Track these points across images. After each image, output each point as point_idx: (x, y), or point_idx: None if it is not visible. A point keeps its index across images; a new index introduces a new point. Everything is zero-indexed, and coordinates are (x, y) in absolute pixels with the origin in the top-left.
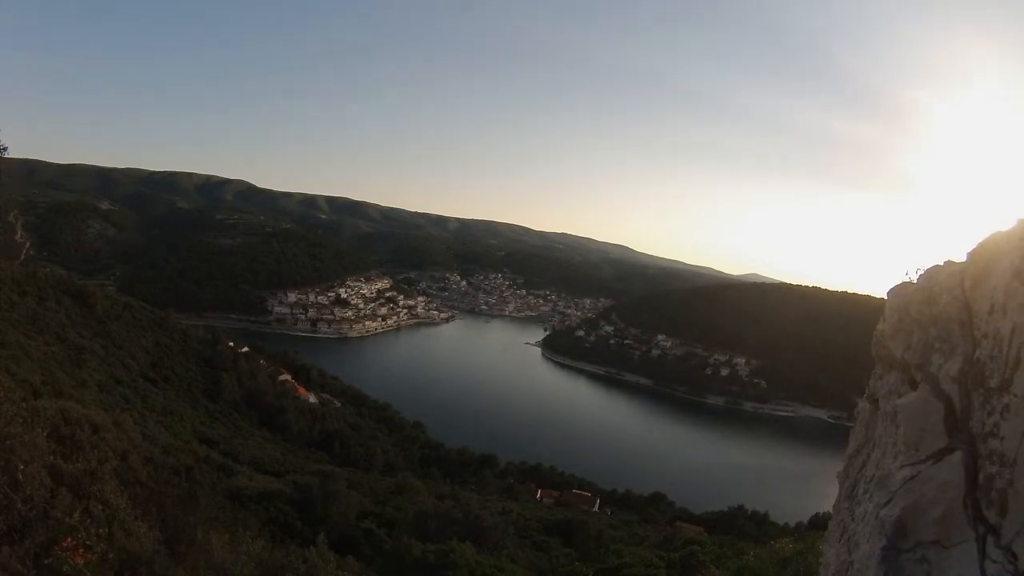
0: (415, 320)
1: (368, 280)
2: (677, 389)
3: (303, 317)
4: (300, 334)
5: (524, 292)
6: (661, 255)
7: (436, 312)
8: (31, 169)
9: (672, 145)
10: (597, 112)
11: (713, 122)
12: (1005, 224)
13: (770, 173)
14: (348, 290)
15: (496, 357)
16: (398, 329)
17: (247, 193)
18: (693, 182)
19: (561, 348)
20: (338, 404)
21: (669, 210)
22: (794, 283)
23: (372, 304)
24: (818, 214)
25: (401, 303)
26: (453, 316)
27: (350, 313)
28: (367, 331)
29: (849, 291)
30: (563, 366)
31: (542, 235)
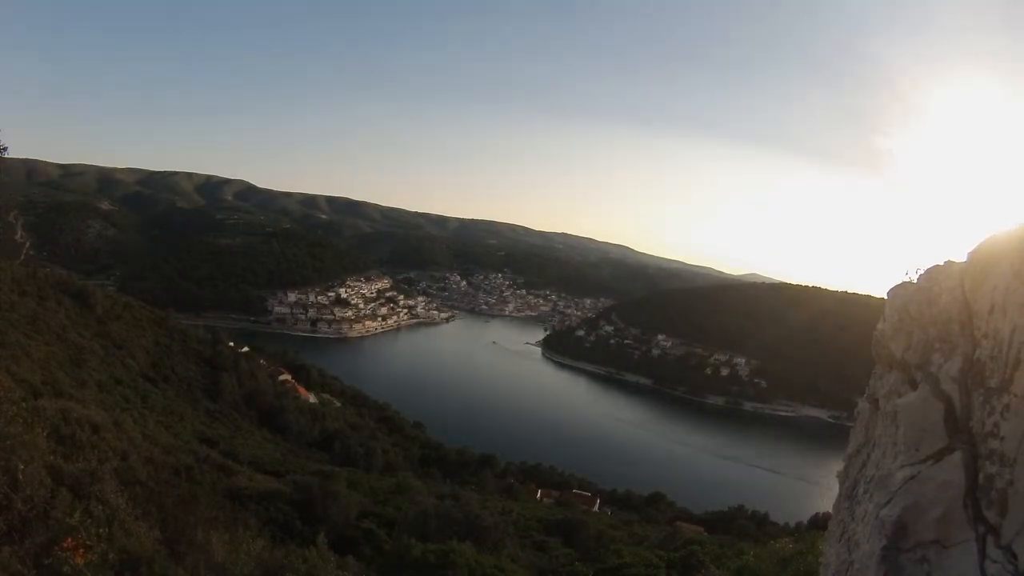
0: (415, 320)
1: (368, 280)
2: (677, 389)
3: (303, 317)
4: (300, 334)
5: (524, 292)
6: (661, 255)
7: (436, 312)
8: (31, 169)
9: (672, 117)
10: (595, 107)
11: (714, 91)
12: (1005, 224)
13: (768, 148)
14: (348, 290)
15: (496, 357)
16: (398, 329)
17: (247, 193)
18: (694, 166)
19: (561, 348)
20: (338, 404)
21: (668, 208)
22: (794, 283)
23: (372, 304)
24: (818, 208)
25: (401, 303)
26: (453, 316)
27: (350, 313)
28: (367, 331)
29: (849, 291)
30: (563, 366)
31: (542, 235)
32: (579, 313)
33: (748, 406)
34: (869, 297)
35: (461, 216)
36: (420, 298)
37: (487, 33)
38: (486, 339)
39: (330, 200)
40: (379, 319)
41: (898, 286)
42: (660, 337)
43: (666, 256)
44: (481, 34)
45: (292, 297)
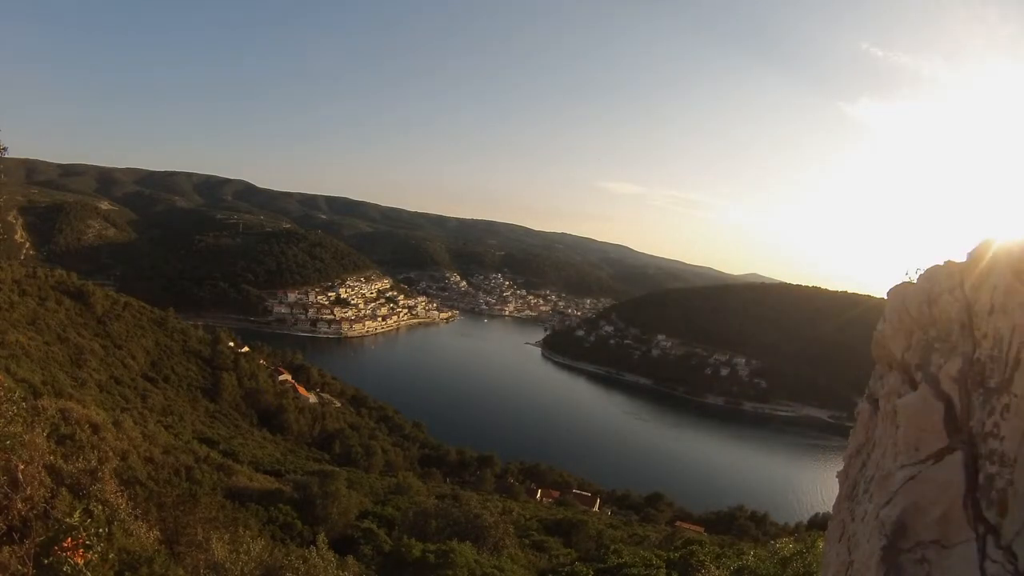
0: (415, 320)
1: (368, 280)
2: (677, 389)
3: (303, 317)
4: (300, 334)
5: (524, 292)
6: (661, 255)
7: (436, 312)
8: (31, 169)
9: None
10: (594, 106)
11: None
12: (1005, 223)
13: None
14: (348, 290)
15: (496, 357)
16: (398, 329)
17: (247, 193)
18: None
19: (561, 348)
20: (338, 404)
21: (668, 206)
22: (794, 283)
23: (372, 304)
24: (818, 205)
25: (401, 303)
26: (453, 316)
27: (350, 313)
28: (367, 331)
29: (849, 291)
30: (563, 366)
31: (542, 235)
32: (579, 313)
33: (748, 406)
34: (869, 297)
35: (461, 216)
36: (420, 298)
37: (487, 36)
38: (484, 339)
39: (330, 200)
40: (379, 319)
41: (898, 286)
42: (660, 337)
43: (666, 256)
44: (481, 37)
45: (292, 297)
